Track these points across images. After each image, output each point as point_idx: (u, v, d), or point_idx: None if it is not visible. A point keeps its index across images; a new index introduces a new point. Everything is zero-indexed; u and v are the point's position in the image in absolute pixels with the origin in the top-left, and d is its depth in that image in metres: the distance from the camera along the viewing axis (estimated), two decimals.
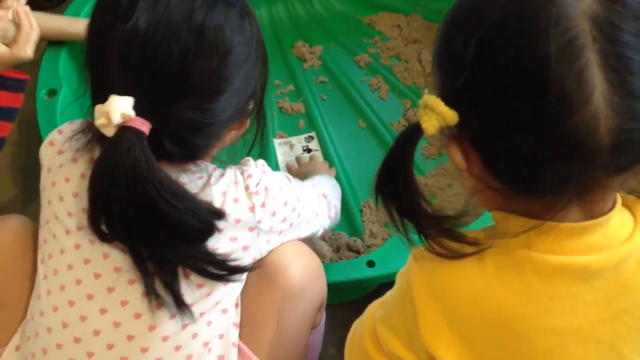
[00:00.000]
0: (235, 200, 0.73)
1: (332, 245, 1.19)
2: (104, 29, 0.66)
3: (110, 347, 0.72)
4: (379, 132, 1.40)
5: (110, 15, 0.65)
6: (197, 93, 0.65)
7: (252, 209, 0.74)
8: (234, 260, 0.72)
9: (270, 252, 0.80)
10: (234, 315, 0.80)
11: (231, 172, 0.75)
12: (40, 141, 1.12)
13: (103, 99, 0.63)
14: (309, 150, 1.38)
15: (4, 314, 0.80)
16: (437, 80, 0.57)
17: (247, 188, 0.74)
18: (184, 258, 0.68)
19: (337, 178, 1.31)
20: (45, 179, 0.76)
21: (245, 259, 0.76)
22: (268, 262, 0.80)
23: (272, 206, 0.77)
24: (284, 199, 0.79)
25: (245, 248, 0.75)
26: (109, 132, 0.63)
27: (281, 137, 1.40)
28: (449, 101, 0.53)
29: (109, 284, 0.72)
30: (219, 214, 0.68)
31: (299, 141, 1.40)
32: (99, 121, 0.63)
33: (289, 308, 0.81)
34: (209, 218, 0.67)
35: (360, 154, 1.38)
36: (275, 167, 1.34)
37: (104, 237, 0.67)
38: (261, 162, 0.80)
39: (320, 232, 0.93)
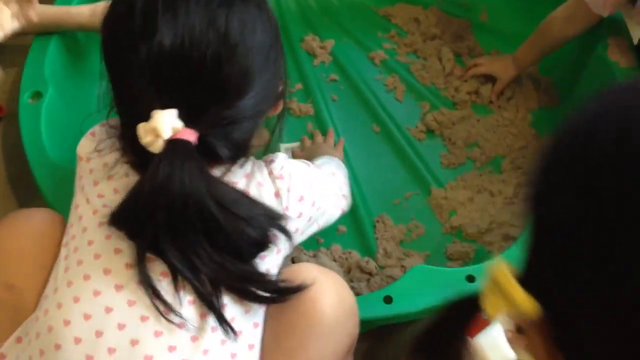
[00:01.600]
0: (260, 185, 0.71)
1: (342, 266, 1.09)
2: (125, 48, 0.65)
3: (134, 343, 0.65)
4: (394, 138, 1.29)
5: (129, 32, 0.65)
6: (233, 92, 0.66)
7: (278, 194, 0.72)
8: (279, 278, 0.72)
9: (303, 273, 0.74)
10: (251, 336, 0.72)
11: (253, 159, 0.74)
12: (22, 149, 1.03)
13: (142, 117, 0.63)
14: None
15: (16, 302, 0.76)
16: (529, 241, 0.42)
17: (270, 173, 0.72)
18: (230, 278, 0.67)
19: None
20: (83, 168, 0.76)
21: (274, 256, 0.73)
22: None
23: (299, 190, 0.74)
24: (310, 182, 0.77)
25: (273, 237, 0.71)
26: (157, 147, 0.63)
27: (288, 141, 1.30)
28: (528, 280, 0.40)
29: (126, 260, 0.68)
30: (279, 218, 0.69)
31: None
32: (146, 139, 0.63)
33: (320, 341, 0.73)
34: (267, 225, 0.68)
35: (373, 161, 1.27)
36: None
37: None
38: (281, 153, 0.77)
39: (337, 216, 0.89)
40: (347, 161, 1.25)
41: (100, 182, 0.72)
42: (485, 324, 0.54)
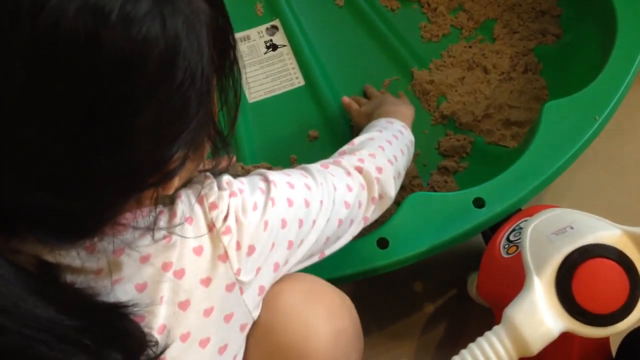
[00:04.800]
0: (197, 251, 0.49)
1: None
2: None
3: None
4: (362, 11, 1.07)
5: None
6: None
7: (225, 256, 0.50)
8: None
9: (285, 308, 0.56)
10: None
11: (183, 204, 0.49)
12: None
13: None
14: (274, 47, 1.06)
15: None
16: None
17: (211, 226, 0.49)
18: None
19: (315, 82, 1.01)
20: None
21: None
22: (283, 327, 0.56)
23: (250, 238, 0.51)
24: (265, 218, 0.53)
25: (227, 318, 0.51)
26: None
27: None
28: None
29: None
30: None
31: (259, 35, 1.07)
32: None
33: None
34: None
35: (340, 44, 1.06)
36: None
37: None
38: (226, 177, 0.52)
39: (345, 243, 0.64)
40: (310, 49, 1.05)
41: None
42: None
